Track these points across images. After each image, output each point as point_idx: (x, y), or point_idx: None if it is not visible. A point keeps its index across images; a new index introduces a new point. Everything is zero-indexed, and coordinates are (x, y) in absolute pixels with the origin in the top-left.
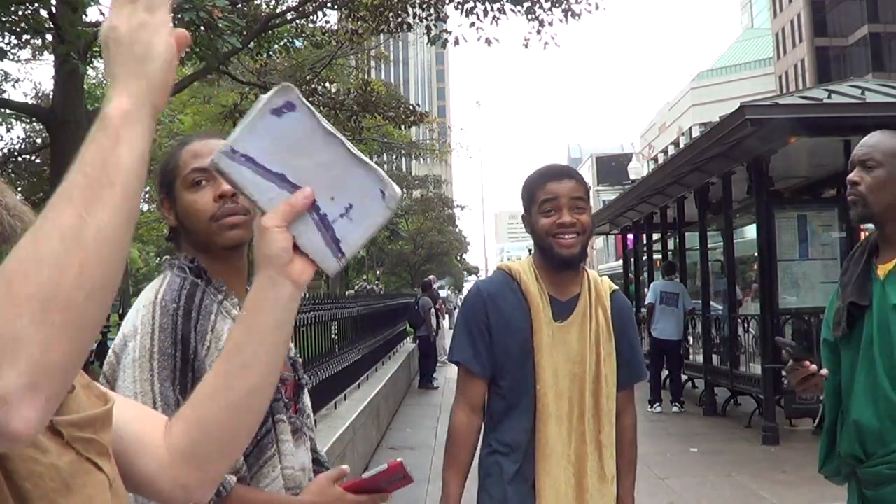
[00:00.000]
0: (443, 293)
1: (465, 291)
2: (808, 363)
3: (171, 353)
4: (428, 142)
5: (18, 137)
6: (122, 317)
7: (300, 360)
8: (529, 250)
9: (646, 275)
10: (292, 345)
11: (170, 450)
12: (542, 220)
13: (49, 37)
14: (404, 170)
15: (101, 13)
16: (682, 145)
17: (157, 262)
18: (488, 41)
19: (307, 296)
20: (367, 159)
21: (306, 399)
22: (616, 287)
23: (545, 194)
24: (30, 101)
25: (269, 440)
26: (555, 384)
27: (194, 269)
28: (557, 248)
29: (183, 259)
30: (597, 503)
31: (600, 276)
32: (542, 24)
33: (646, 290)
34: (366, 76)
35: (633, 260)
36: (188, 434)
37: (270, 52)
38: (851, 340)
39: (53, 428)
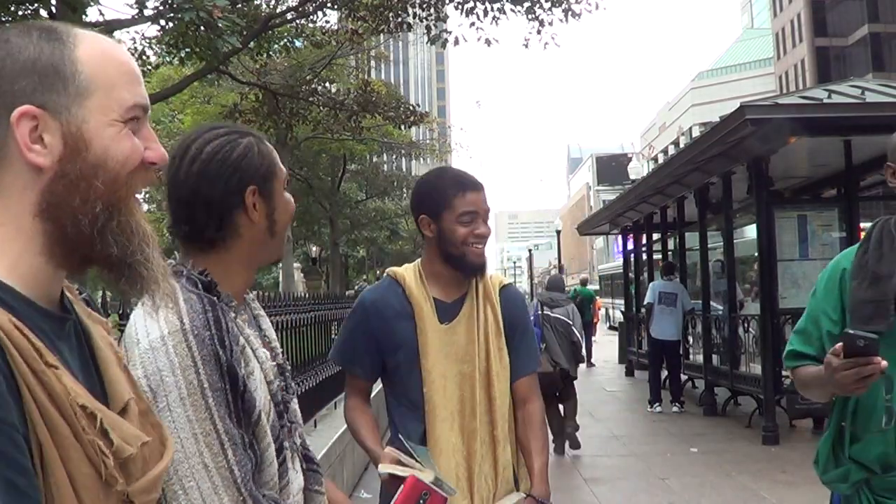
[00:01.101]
0: None
1: None
2: (878, 359)
3: (220, 386)
4: (428, 142)
5: None
6: (122, 316)
7: (289, 367)
8: (530, 250)
9: (646, 275)
10: (280, 350)
11: None
12: (461, 230)
13: None
14: (404, 170)
15: (101, 13)
16: (682, 145)
17: None
18: (488, 41)
19: (307, 296)
20: None
21: (295, 406)
22: (508, 282)
23: (466, 205)
24: None
25: (285, 468)
26: (443, 386)
27: (206, 282)
28: (472, 256)
29: (190, 268)
30: (488, 489)
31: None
32: (542, 24)
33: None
34: (366, 76)
35: (633, 260)
36: None
37: (270, 52)
38: (890, 336)
39: (128, 500)
